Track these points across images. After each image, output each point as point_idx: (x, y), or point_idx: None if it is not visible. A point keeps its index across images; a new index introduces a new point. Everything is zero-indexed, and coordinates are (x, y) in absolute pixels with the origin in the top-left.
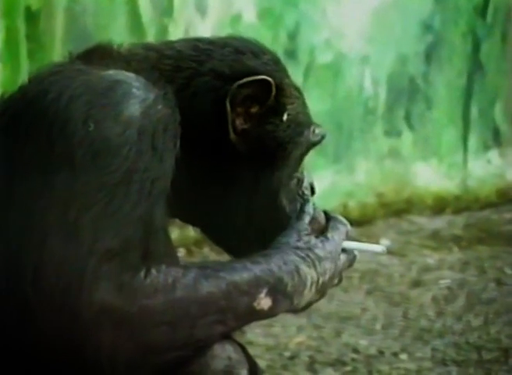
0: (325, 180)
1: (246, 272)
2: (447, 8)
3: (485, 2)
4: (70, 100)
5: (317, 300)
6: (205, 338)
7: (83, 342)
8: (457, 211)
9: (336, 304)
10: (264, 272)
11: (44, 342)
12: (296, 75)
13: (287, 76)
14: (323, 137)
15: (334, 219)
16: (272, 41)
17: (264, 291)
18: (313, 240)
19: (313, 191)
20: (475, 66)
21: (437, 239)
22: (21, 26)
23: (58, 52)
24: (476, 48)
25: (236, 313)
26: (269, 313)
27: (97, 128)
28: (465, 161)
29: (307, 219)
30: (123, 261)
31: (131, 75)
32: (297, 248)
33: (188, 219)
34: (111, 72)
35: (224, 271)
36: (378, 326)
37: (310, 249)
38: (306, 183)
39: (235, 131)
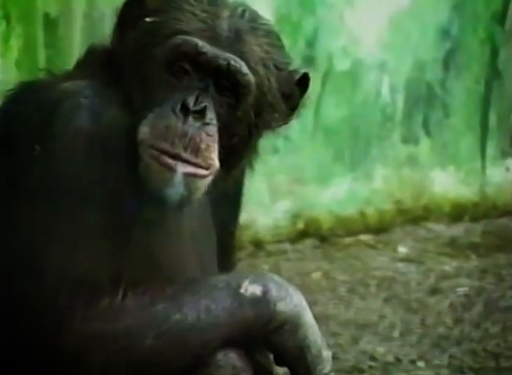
0: (343, 187)
1: (222, 277)
2: (465, 15)
3: (503, 9)
4: (18, 125)
5: None
6: (200, 344)
7: (73, 369)
8: (475, 218)
9: (354, 311)
10: (237, 273)
11: (31, 370)
12: (314, 82)
13: None
14: (184, 42)
15: None
16: (290, 47)
17: (248, 280)
18: None
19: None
20: (493, 72)
21: (455, 246)
22: (39, 33)
23: (76, 59)
24: (494, 54)
25: (225, 308)
26: (269, 299)
27: (43, 149)
28: (483, 168)
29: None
30: (97, 286)
31: (82, 83)
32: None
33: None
34: (66, 84)
35: (201, 282)
36: (395, 334)
37: None
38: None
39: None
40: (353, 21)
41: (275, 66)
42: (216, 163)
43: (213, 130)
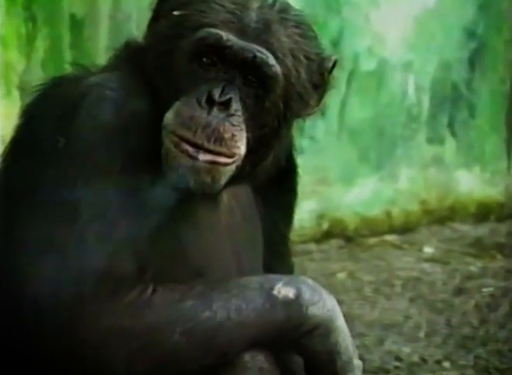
0: (368, 188)
1: (254, 278)
2: (491, 15)
3: None
4: (41, 120)
5: None
6: (228, 343)
7: (96, 365)
8: (501, 218)
9: (379, 311)
10: (272, 276)
11: (50, 368)
12: (339, 82)
13: None
14: (209, 35)
15: None
16: None
17: (281, 282)
18: None
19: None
20: None
21: (480, 247)
22: (65, 34)
23: (102, 60)
24: None
25: (256, 308)
26: (301, 302)
27: (66, 142)
28: (509, 168)
29: None
30: (123, 280)
31: (108, 76)
32: None
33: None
34: (92, 78)
35: (232, 282)
36: (421, 334)
37: None
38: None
39: None
40: (378, 21)
41: (306, 57)
42: (242, 151)
43: (238, 120)
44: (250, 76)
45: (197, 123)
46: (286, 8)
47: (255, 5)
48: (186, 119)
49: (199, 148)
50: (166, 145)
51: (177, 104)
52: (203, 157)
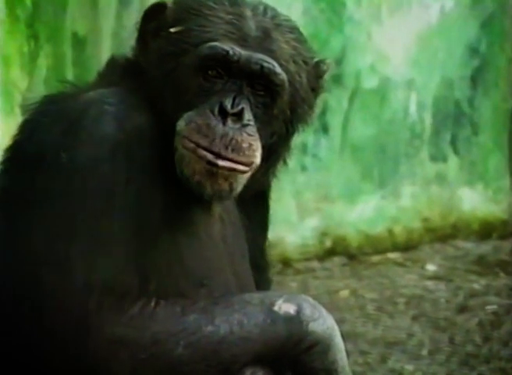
0: (371, 205)
1: (255, 294)
2: (493, 33)
3: None
4: (43, 135)
5: None
6: (230, 358)
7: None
8: (504, 236)
9: (382, 329)
10: (272, 293)
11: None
12: (341, 100)
13: None
14: (215, 50)
15: None
16: None
17: (282, 298)
18: None
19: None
20: None
21: (483, 264)
22: (67, 52)
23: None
24: None
25: (258, 324)
26: (302, 318)
27: (70, 157)
28: None
29: None
30: (127, 292)
31: (106, 91)
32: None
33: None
34: (89, 93)
35: (234, 297)
36: (424, 352)
37: None
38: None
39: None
40: (380, 39)
41: (304, 62)
42: (258, 159)
43: (253, 130)
44: (257, 85)
45: (214, 132)
46: (276, 15)
47: (249, 13)
48: (203, 127)
49: (217, 155)
50: (180, 151)
51: (189, 113)
52: (222, 163)
